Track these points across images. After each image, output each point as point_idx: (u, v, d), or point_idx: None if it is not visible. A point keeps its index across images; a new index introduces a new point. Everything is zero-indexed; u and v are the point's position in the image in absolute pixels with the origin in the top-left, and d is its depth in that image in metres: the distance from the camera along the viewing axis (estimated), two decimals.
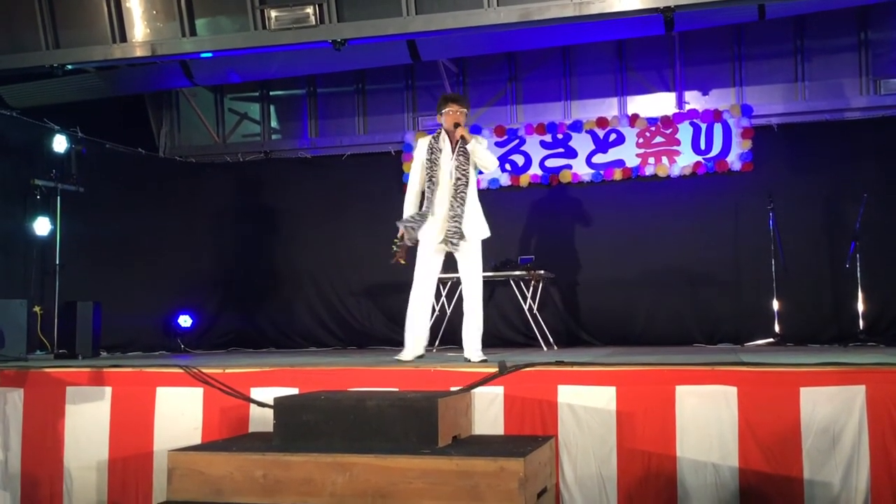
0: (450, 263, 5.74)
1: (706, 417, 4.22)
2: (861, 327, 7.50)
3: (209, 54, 7.23)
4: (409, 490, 3.54)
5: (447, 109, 5.54)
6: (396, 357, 5.52)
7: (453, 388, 4.53)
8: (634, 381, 4.38)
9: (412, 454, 3.63)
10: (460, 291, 5.71)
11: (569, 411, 4.41)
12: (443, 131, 5.62)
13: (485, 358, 5.35)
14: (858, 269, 7.48)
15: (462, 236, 5.41)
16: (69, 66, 7.21)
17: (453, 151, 5.51)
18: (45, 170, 7.85)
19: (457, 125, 5.51)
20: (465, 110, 5.61)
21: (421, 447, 3.77)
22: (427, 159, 5.53)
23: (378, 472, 3.58)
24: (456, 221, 5.40)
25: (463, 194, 5.43)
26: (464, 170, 5.46)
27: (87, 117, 8.52)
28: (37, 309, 7.49)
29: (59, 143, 8.00)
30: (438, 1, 6.31)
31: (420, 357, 5.53)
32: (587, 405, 4.38)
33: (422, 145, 5.64)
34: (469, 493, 3.48)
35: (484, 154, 5.53)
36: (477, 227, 5.56)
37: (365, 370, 4.89)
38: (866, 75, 8.36)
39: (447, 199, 5.46)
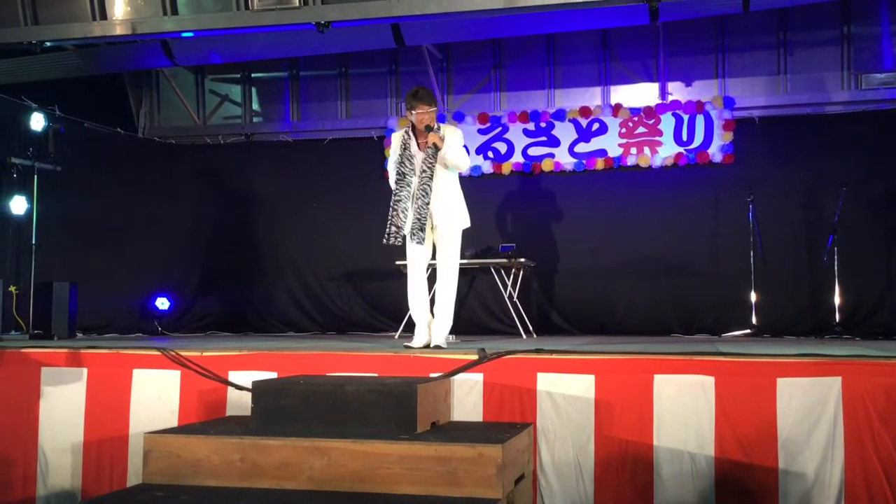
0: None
1: (683, 407, 4.25)
2: (837, 320, 7.59)
3: (190, 34, 7.14)
4: (387, 475, 3.53)
5: (417, 111, 5.49)
6: (405, 344, 5.54)
7: (433, 375, 4.52)
8: (613, 370, 4.40)
9: (391, 439, 3.62)
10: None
11: (547, 399, 4.42)
12: (411, 126, 5.61)
13: (445, 346, 5.38)
14: (836, 262, 7.56)
15: (423, 231, 5.41)
16: (48, 43, 7.10)
17: (420, 147, 5.53)
18: (21, 148, 7.71)
19: (428, 127, 5.48)
20: (434, 109, 5.53)
21: (399, 433, 3.77)
22: (399, 154, 5.55)
23: (356, 457, 3.57)
24: (419, 215, 5.43)
25: (426, 187, 5.43)
26: (430, 163, 5.47)
27: (66, 96, 8.40)
28: (12, 289, 7.39)
29: (37, 122, 7.86)
30: None
31: (428, 345, 5.50)
32: (566, 393, 4.40)
33: (395, 140, 5.65)
34: (447, 478, 3.48)
35: (454, 158, 5.52)
36: (452, 216, 5.61)
37: (344, 355, 4.87)
38: (848, 69, 8.41)
39: (416, 193, 5.49)
